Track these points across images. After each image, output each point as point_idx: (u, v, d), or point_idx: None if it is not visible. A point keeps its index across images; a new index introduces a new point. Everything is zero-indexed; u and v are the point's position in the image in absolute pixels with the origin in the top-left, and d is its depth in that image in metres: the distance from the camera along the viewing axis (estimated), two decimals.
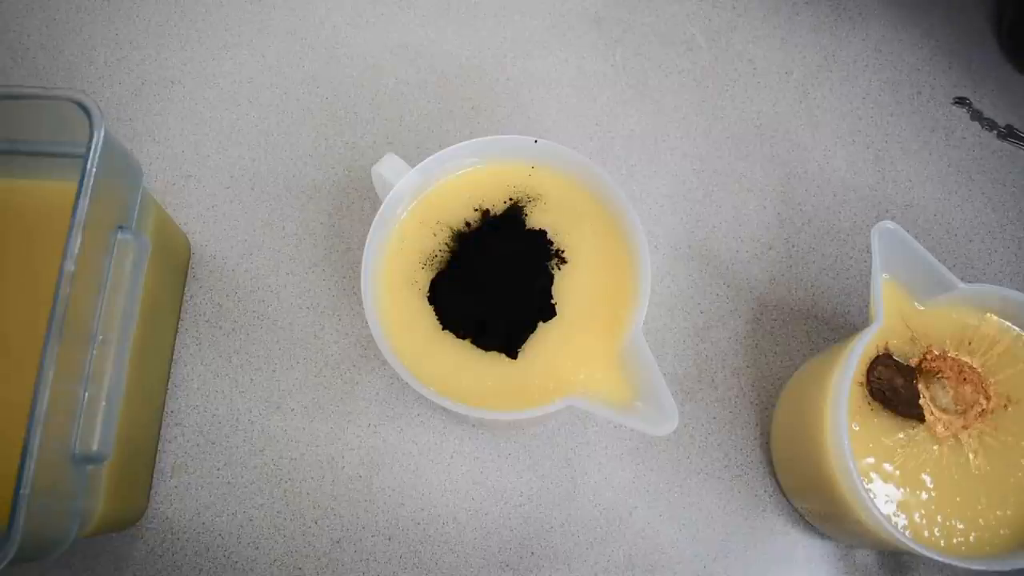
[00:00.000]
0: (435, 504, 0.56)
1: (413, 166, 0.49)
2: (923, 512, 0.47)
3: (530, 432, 0.56)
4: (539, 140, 0.49)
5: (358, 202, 0.63)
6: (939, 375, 0.49)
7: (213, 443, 0.57)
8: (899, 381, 0.49)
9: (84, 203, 0.43)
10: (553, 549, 0.56)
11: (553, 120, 0.66)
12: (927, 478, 0.47)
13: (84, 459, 0.46)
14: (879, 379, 0.49)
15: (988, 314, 0.50)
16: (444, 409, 0.45)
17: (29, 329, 0.45)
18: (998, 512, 0.47)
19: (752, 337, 0.61)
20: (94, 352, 0.46)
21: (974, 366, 0.49)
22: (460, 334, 0.48)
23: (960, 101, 0.68)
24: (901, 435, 0.48)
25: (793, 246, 0.63)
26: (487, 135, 0.49)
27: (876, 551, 0.56)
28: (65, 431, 0.44)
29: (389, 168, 0.49)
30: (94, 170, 0.43)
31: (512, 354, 0.48)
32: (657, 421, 0.43)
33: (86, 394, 0.45)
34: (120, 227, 0.48)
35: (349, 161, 0.64)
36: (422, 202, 0.51)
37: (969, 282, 0.48)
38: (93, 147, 0.44)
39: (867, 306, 0.59)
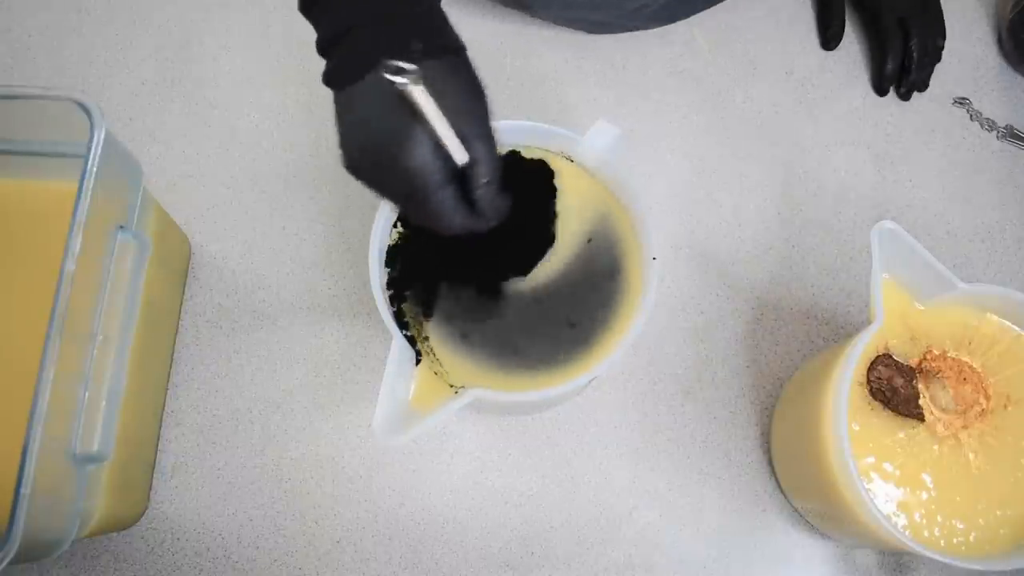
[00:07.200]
0: (435, 504, 0.56)
1: None
2: (923, 512, 0.47)
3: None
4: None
5: (358, 202, 0.63)
6: (939, 375, 0.49)
7: (213, 443, 0.57)
8: (899, 381, 0.49)
9: (84, 203, 0.43)
10: (553, 549, 0.56)
11: (553, 119, 0.66)
12: (927, 478, 0.47)
13: (84, 459, 0.46)
14: (879, 379, 0.49)
15: (988, 314, 0.50)
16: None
17: (29, 329, 0.45)
18: (998, 512, 0.47)
19: (752, 337, 0.61)
20: (94, 352, 0.46)
21: (974, 366, 0.49)
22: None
23: (960, 101, 0.68)
24: (901, 435, 0.48)
25: (793, 246, 0.63)
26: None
27: (876, 551, 0.56)
28: (65, 431, 0.44)
29: None
30: (94, 170, 0.43)
31: (412, 345, 0.46)
32: None
33: (86, 394, 0.45)
34: (120, 227, 0.48)
35: None
36: None
37: (969, 282, 0.48)
38: (93, 147, 0.43)
39: (867, 306, 0.59)
